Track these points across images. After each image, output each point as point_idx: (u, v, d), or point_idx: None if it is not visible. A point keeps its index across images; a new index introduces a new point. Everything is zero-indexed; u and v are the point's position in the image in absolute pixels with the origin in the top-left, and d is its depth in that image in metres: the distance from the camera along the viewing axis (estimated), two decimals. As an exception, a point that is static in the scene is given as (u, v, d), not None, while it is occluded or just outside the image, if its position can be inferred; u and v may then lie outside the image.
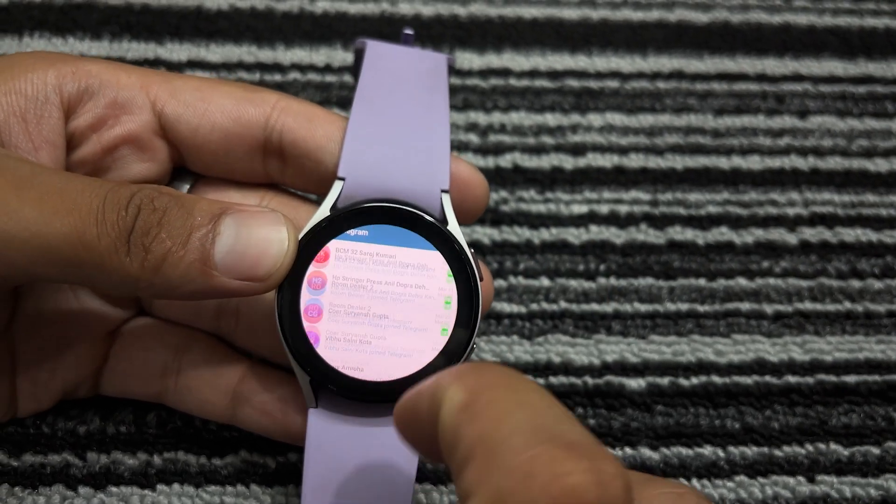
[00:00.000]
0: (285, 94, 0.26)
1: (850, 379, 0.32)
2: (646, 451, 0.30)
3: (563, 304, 0.33)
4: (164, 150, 0.26)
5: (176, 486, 0.28)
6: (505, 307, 0.33)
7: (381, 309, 0.24)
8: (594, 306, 0.34)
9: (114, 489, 0.28)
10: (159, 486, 0.28)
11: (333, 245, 0.24)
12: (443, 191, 0.25)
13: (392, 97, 0.26)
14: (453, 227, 0.24)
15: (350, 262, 0.24)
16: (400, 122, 0.25)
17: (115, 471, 0.28)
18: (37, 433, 0.29)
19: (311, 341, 0.24)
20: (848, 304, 0.34)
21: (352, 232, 0.24)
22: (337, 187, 0.25)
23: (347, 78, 0.40)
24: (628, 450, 0.30)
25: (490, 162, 0.38)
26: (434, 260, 0.24)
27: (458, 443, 0.16)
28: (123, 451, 0.29)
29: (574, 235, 0.36)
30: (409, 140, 0.25)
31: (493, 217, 0.36)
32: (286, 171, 0.27)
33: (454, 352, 0.24)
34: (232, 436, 0.29)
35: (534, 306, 0.33)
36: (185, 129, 0.25)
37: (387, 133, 0.25)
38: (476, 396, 0.16)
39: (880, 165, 0.39)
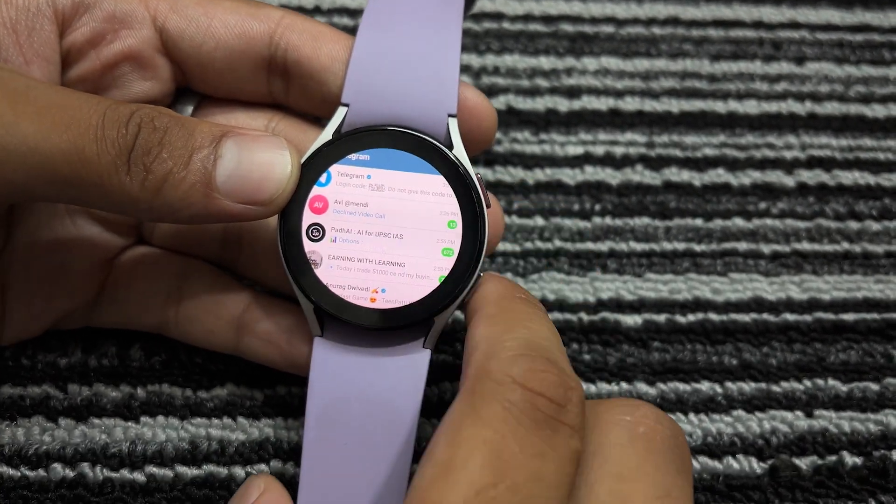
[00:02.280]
0: (291, 11, 0.25)
1: (849, 317, 0.32)
2: (642, 386, 0.29)
3: (558, 243, 0.33)
4: (167, 68, 0.25)
5: (160, 418, 0.27)
6: (498, 246, 0.33)
7: (382, 232, 0.23)
8: (589, 245, 0.33)
9: (96, 421, 0.27)
10: (143, 419, 0.27)
11: (335, 169, 0.23)
12: (450, 115, 0.24)
13: (402, 14, 0.25)
14: (459, 151, 0.24)
15: (351, 186, 0.23)
16: (408, 42, 0.24)
17: (98, 403, 0.28)
18: (16, 365, 0.28)
19: (313, 265, 0.23)
20: (846, 245, 0.34)
21: (353, 156, 0.23)
22: (340, 113, 0.24)
23: (337, 19, 0.39)
24: (624, 384, 0.29)
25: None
26: (437, 184, 0.23)
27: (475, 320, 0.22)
28: (106, 384, 0.28)
29: (569, 176, 0.35)
30: (417, 62, 0.24)
31: (487, 157, 0.35)
32: (290, 92, 0.26)
33: (458, 278, 0.23)
34: (218, 369, 0.28)
35: (528, 245, 0.33)
36: (189, 46, 0.25)
37: (393, 55, 0.24)
38: (502, 304, 0.22)
39: (877, 111, 0.39)
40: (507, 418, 0.18)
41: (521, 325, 0.20)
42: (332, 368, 0.23)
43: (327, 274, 0.23)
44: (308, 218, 0.23)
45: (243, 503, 0.21)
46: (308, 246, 0.23)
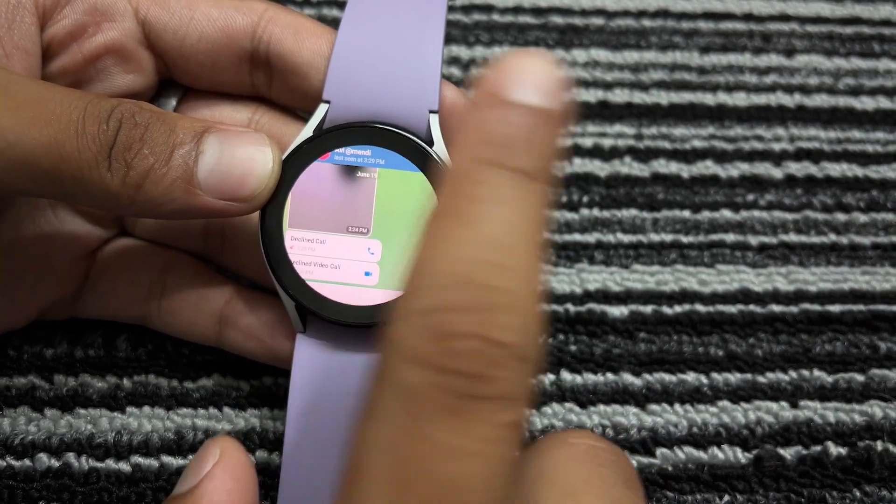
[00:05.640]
0: (274, 3, 0.25)
1: (835, 308, 0.32)
2: (628, 377, 0.29)
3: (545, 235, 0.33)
4: (150, 61, 0.25)
5: (146, 408, 0.27)
6: (486, 237, 0.33)
7: (363, 230, 0.23)
8: (576, 236, 0.33)
9: (82, 411, 0.27)
10: (129, 409, 0.27)
11: (316, 166, 0.23)
12: (431, 111, 0.24)
13: (383, 9, 0.25)
14: (440, 148, 0.23)
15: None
16: (389, 37, 0.24)
17: (84, 393, 0.28)
18: (1, 356, 0.28)
19: (293, 261, 0.23)
20: (833, 237, 0.34)
21: (336, 153, 0.23)
22: (321, 110, 0.24)
23: (326, 11, 0.39)
24: (610, 375, 0.29)
25: (471, 95, 0.37)
26: (417, 181, 0.23)
27: None
28: (92, 375, 0.28)
29: (557, 168, 0.35)
30: (398, 58, 0.24)
31: (475, 149, 0.35)
32: (273, 86, 0.26)
33: None
34: (205, 360, 0.28)
35: (515, 236, 0.33)
36: (171, 39, 0.24)
37: (374, 51, 0.24)
38: (449, 191, 0.15)
39: (866, 103, 0.39)
40: (406, 411, 0.14)
41: (453, 236, 0.14)
42: (315, 366, 0.23)
43: (308, 271, 0.23)
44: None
45: (198, 473, 0.19)
46: (289, 243, 0.23)
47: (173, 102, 0.26)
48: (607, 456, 0.18)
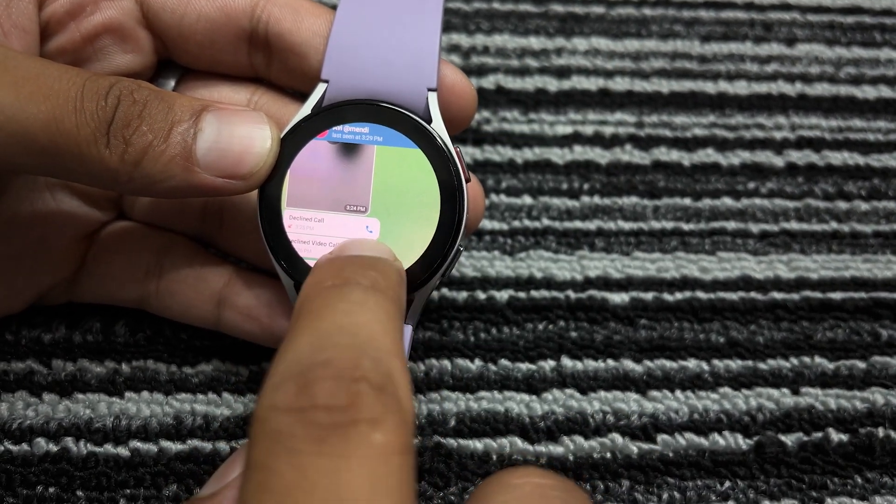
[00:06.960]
0: None
1: (836, 296, 0.32)
2: (629, 364, 0.29)
3: (546, 222, 0.33)
4: (148, 41, 0.25)
5: (145, 393, 0.27)
6: (486, 224, 0.32)
7: (361, 208, 0.23)
8: (577, 224, 0.33)
9: (80, 396, 0.27)
10: (128, 394, 0.27)
11: (314, 144, 0.23)
12: (429, 89, 0.24)
13: None
14: (438, 125, 0.23)
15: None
16: (388, 16, 0.24)
17: (82, 378, 0.27)
18: None
19: (292, 240, 0.23)
20: (834, 224, 0.34)
21: (335, 130, 0.23)
22: (320, 89, 0.24)
23: (326, -2, 0.39)
24: (611, 362, 0.29)
25: (472, 82, 0.37)
26: (415, 158, 0.23)
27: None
28: (90, 360, 0.28)
29: (558, 155, 0.35)
30: (396, 36, 0.24)
31: (475, 137, 0.35)
32: (271, 66, 0.26)
33: (436, 254, 0.23)
34: (203, 345, 0.28)
35: (516, 223, 0.33)
36: (170, 18, 0.24)
37: (373, 30, 0.24)
38: (305, 302, 0.19)
39: (868, 92, 0.39)
40: (276, 451, 0.15)
41: (309, 329, 0.18)
42: None
43: (307, 249, 0.23)
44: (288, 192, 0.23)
45: (222, 479, 0.20)
46: (288, 222, 0.23)
47: (172, 83, 0.26)
48: (556, 493, 0.17)
